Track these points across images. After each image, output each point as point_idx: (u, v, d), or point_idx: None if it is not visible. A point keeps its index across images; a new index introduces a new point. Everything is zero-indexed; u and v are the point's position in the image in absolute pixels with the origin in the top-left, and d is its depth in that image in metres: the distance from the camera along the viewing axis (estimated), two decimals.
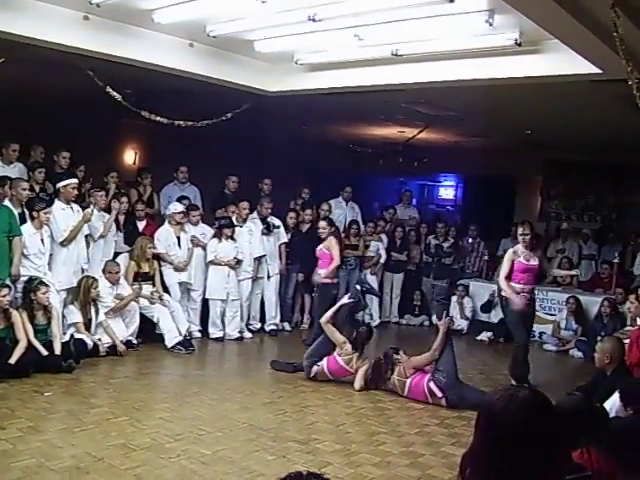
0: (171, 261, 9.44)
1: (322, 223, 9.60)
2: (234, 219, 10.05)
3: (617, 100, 7.34)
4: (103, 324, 8.29)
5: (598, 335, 9.35)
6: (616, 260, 11.38)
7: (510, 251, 8.21)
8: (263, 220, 10.32)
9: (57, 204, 8.31)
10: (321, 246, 9.41)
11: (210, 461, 5.08)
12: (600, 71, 6.26)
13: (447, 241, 12.56)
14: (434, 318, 11.60)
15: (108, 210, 9.09)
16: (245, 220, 10.15)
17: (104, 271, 8.60)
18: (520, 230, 8.17)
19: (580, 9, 4.76)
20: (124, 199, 9.49)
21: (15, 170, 8.94)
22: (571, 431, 3.13)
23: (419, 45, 6.93)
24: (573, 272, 10.29)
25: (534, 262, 8.01)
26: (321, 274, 9.28)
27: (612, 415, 4.46)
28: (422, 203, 17.81)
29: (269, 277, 10.39)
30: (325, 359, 7.68)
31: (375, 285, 11.80)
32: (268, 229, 10.30)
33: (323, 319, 7.90)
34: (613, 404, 4.69)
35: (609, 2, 4.47)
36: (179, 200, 10.06)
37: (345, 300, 8.41)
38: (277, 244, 10.48)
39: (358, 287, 8.86)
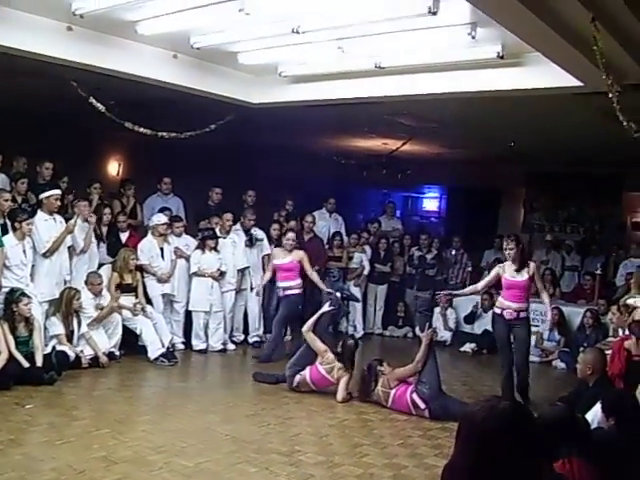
0: (154, 272, 9.40)
1: (291, 235, 9.47)
2: (217, 231, 10.03)
3: (598, 112, 7.41)
4: (85, 336, 8.22)
5: (581, 346, 9.41)
6: (598, 271, 11.43)
7: (497, 266, 8.14)
8: (246, 232, 10.31)
9: (40, 215, 8.26)
10: (291, 258, 9.29)
11: (192, 473, 5.05)
12: (581, 84, 6.33)
13: (430, 252, 12.57)
14: (417, 329, 11.58)
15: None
16: (228, 232, 10.12)
17: (86, 282, 8.54)
18: (504, 245, 7.92)
19: (561, 23, 4.81)
20: (107, 210, 9.47)
21: None
22: (553, 441, 3.13)
23: (402, 57, 6.98)
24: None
25: (520, 278, 7.69)
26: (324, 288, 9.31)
27: (594, 426, 4.47)
28: (406, 215, 17.85)
29: (252, 289, 10.36)
30: (307, 369, 7.68)
31: (359, 297, 11.81)
32: (251, 242, 10.28)
33: (305, 327, 7.90)
34: (595, 415, 4.70)
35: (589, 16, 4.53)
36: (161, 211, 10.02)
37: (326, 308, 8.41)
38: (260, 256, 10.45)
39: (338, 294, 8.85)
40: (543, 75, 6.50)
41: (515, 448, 1.92)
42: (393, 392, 7.14)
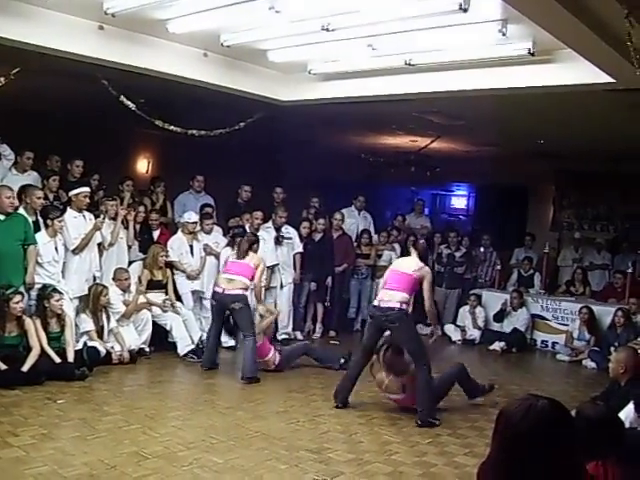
0: (184, 269, 9.45)
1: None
2: (247, 228, 10.06)
3: (630, 109, 7.34)
4: (114, 331, 8.29)
5: (611, 345, 9.33)
6: (629, 270, 11.32)
7: None
8: (277, 229, 10.33)
9: (69, 212, 8.33)
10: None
11: (222, 470, 5.08)
12: (613, 80, 6.27)
13: (459, 250, 12.54)
14: (446, 327, 11.60)
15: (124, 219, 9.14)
16: (257, 229, 10.15)
17: (114, 278, 8.62)
18: None
19: (594, 19, 4.77)
20: (141, 208, 9.57)
21: (29, 178, 8.96)
22: (592, 441, 3.08)
23: (432, 55, 6.96)
24: None
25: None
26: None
27: (626, 426, 4.43)
28: (434, 212, 17.82)
29: (282, 286, 10.37)
30: None
31: None
32: (278, 240, 10.28)
33: None
34: (627, 415, 4.65)
35: (623, 12, 4.48)
36: (202, 208, 10.14)
37: None
38: (291, 254, 10.45)
39: None
40: (574, 72, 6.44)
41: (552, 448, 1.91)
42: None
